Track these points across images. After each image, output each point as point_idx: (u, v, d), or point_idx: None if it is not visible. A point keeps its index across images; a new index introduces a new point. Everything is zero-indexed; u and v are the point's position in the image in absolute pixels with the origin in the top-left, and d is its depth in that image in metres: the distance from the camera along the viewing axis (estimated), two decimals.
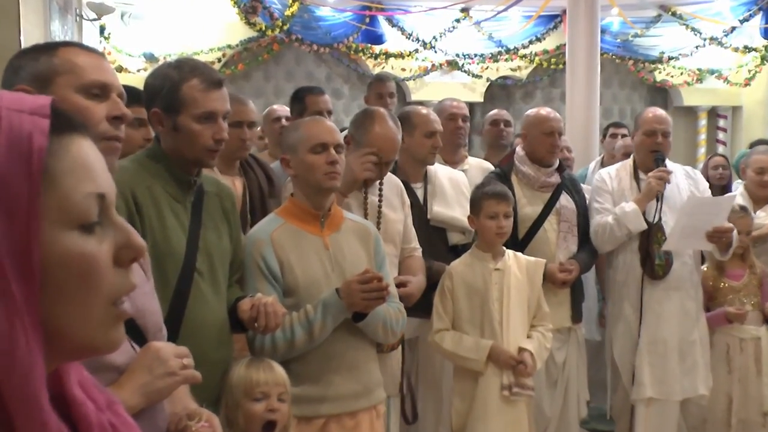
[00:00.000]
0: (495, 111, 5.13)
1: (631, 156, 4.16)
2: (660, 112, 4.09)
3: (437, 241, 3.61)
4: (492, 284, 3.27)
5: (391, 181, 3.29)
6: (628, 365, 4.00)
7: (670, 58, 10.28)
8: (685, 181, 4.08)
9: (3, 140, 0.67)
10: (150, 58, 8.62)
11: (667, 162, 4.00)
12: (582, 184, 4.29)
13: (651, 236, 3.88)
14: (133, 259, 0.76)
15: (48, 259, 0.69)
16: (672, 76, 10.41)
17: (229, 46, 9.00)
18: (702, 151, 10.55)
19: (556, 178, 3.90)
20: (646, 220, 3.88)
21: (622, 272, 4.01)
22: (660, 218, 3.88)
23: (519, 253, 3.42)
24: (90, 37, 7.56)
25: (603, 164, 5.35)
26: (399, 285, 3.06)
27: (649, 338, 3.93)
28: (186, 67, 2.23)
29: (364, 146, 3.05)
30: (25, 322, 0.67)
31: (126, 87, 2.46)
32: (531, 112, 4.04)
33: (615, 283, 4.07)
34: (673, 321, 3.94)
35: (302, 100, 4.13)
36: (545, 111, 3.99)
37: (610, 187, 4.03)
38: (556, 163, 3.94)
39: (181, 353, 1.57)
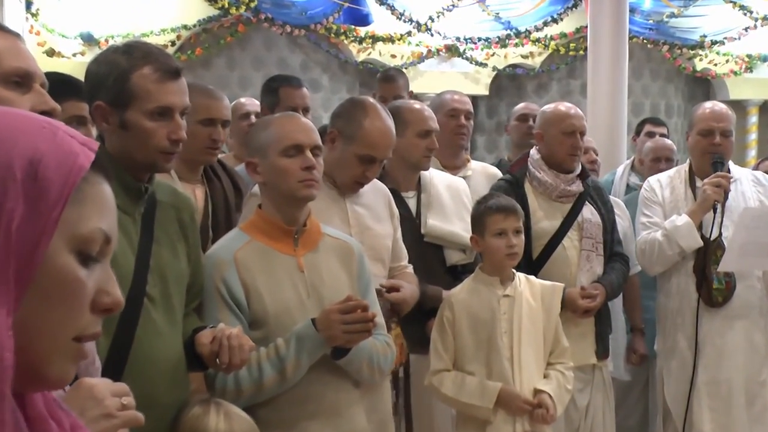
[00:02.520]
0: (523, 104, 5.24)
1: (688, 161, 4.18)
2: (719, 106, 4.12)
3: (433, 261, 3.61)
4: (500, 314, 3.28)
5: (377, 188, 3.28)
6: (682, 409, 3.98)
7: (713, 43, 10.35)
8: (752, 188, 4.09)
9: (55, 148, 0.87)
10: (88, 39, 8.60)
11: (731, 166, 4.02)
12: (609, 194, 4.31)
13: (708, 255, 3.89)
14: (106, 310, 0.92)
15: (44, 267, 0.84)
16: (716, 65, 10.49)
17: (184, 27, 9.00)
18: (752, 153, 10.59)
19: (577, 186, 3.92)
20: (702, 236, 3.89)
21: (675, 298, 4.03)
22: (720, 233, 3.89)
23: (532, 277, 3.44)
24: (13, 14, 7.53)
25: (633, 168, 5.38)
26: (390, 289, 3.09)
27: (708, 377, 3.95)
28: (137, 53, 2.24)
29: (356, 142, 3.05)
30: (9, 314, 0.82)
31: (62, 76, 2.48)
32: (548, 108, 4.07)
33: (668, 311, 4.08)
34: (737, 357, 3.96)
35: (276, 92, 4.13)
36: (564, 107, 4.02)
37: (660, 197, 4.06)
38: (578, 169, 3.95)
39: (120, 391, 1.57)
